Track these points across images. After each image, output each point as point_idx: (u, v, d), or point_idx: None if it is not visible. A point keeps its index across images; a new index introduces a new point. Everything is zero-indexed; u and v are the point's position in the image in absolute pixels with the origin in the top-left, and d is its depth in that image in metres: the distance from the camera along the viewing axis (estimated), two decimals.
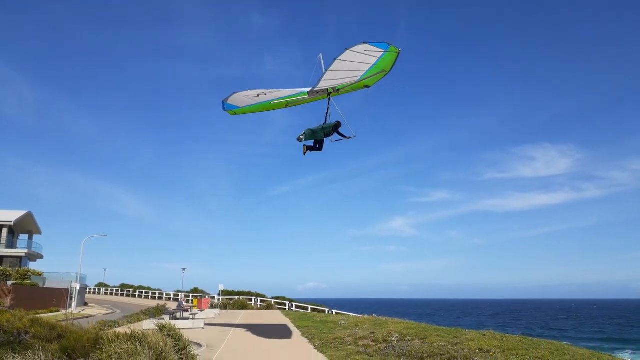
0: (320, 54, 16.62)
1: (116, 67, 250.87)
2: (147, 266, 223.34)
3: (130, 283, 72.00)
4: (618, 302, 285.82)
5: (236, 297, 49.61)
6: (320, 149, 17.94)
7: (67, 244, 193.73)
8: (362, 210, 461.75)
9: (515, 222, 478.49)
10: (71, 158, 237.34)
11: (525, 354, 12.43)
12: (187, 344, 13.96)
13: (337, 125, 17.34)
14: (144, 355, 9.54)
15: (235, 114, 20.70)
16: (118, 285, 73.20)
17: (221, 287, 50.19)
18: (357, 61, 15.29)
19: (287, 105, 19.74)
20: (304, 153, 17.86)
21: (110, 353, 9.21)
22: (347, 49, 14.45)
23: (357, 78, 16.71)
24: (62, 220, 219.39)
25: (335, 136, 17.58)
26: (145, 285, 69.70)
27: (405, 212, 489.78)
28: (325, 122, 17.56)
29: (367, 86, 18.15)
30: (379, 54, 14.88)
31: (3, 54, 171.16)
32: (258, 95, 18.65)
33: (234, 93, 18.74)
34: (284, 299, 49.01)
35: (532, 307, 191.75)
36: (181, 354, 12.87)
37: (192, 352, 14.06)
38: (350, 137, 17.56)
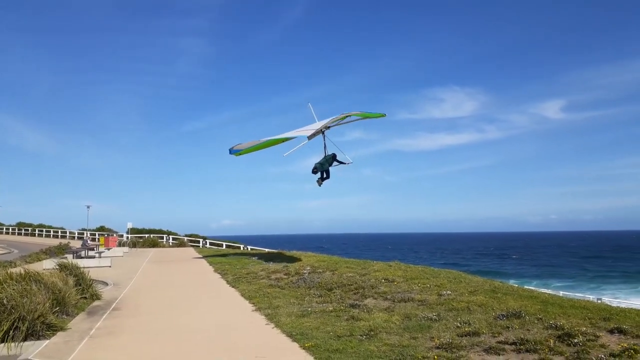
0: (310, 104, 21.69)
1: None
2: (48, 203, 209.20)
3: (28, 221, 67.06)
4: (515, 234, 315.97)
5: (146, 235, 48.29)
6: (328, 177, 21.76)
7: None
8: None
9: (424, 162, 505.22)
10: None
11: (426, 282, 13.36)
12: (90, 282, 13.38)
13: (334, 156, 21.30)
14: (40, 296, 8.93)
15: (241, 154, 23.96)
16: (15, 223, 67.88)
17: (130, 225, 48.32)
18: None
19: (284, 141, 22.72)
20: (319, 185, 21.64)
21: (1, 295, 8.50)
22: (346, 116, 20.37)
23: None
24: None
25: (334, 163, 21.35)
26: (47, 223, 65.30)
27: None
28: (325, 155, 21.31)
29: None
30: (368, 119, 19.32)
31: None
32: (260, 140, 22.70)
33: (239, 144, 23.32)
34: (197, 236, 48.51)
35: (443, 240, 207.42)
36: (84, 293, 12.33)
37: (98, 291, 13.53)
38: (347, 163, 21.27)
